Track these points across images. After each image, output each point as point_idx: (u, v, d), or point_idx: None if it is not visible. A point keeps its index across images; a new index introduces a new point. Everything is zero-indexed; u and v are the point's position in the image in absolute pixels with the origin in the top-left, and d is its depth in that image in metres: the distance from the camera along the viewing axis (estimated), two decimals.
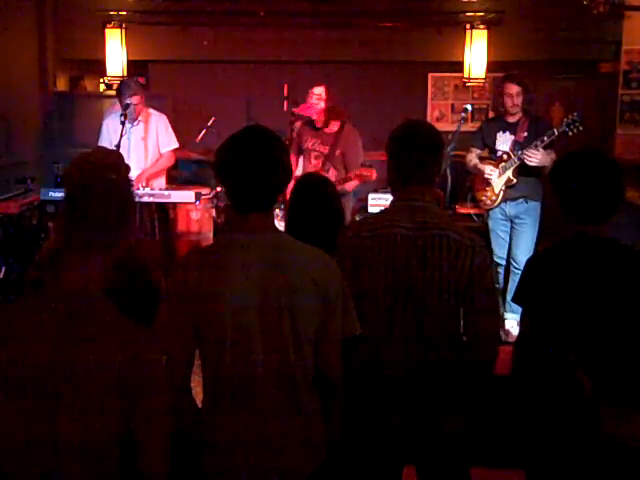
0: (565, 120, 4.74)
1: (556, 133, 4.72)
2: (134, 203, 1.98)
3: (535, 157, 4.72)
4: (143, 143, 5.31)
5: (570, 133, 4.71)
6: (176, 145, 5.43)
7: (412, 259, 2.24)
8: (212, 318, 1.94)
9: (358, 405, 2.31)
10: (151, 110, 5.39)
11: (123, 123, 4.97)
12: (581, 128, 4.68)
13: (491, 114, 5.31)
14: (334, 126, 4.95)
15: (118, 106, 5.21)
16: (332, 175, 4.76)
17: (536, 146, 4.72)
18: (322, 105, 4.92)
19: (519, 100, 4.81)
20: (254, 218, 1.98)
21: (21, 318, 1.68)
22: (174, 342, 1.95)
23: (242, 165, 1.95)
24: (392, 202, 2.39)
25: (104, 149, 2.90)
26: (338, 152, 4.89)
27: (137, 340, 1.72)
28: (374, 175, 4.68)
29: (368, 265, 2.28)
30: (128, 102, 5.03)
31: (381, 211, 2.49)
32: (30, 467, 1.64)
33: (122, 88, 5.17)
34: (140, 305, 2.13)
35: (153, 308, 2.00)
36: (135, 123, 5.26)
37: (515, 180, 4.90)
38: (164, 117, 5.43)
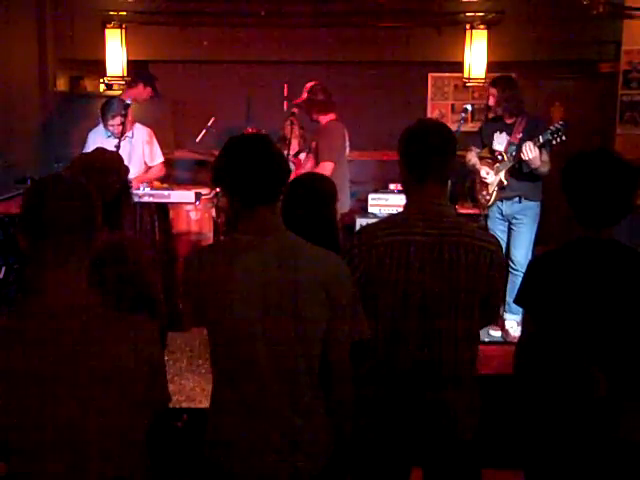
0: (550, 128, 4.73)
1: (541, 140, 4.71)
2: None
3: (530, 152, 4.69)
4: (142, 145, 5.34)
5: (554, 142, 4.70)
6: (162, 159, 5.46)
7: (428, 266, 2.23)
8: (218, 317, 1.95)
9: (369, 407, 2.30)
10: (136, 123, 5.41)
11: (123, 123, 4.96)
12: (564, 138, 4.65)
13: (490, 115, 5.41)
14: (324, 120, 5.06)
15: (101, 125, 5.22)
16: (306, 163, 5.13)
17: (535, 142, 4.72)
18: (304, 96, 5.08)
19: (493, 101, 4.99)
20: (261, 212, 2.00)
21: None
22: None
23: (249, 158, 1.99)
24: (406, 205, 2.36)
25: (105, 150, 2.89)
26: (313, 143, 5.03)
27: (138, 336, 1.72)
28: None
29: (383, 272, 2.24)
30: (128, 102, 5.04)
31: (393, 215, 2.45)
32: (47, 468, 1.64)
33: (105, 108, 5.16)
34: (135, 307, 2.14)
35: (151, 309, 2.00)
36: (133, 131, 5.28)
37: (506, 182, 4.95)
38: (148, 130, 5.44)
